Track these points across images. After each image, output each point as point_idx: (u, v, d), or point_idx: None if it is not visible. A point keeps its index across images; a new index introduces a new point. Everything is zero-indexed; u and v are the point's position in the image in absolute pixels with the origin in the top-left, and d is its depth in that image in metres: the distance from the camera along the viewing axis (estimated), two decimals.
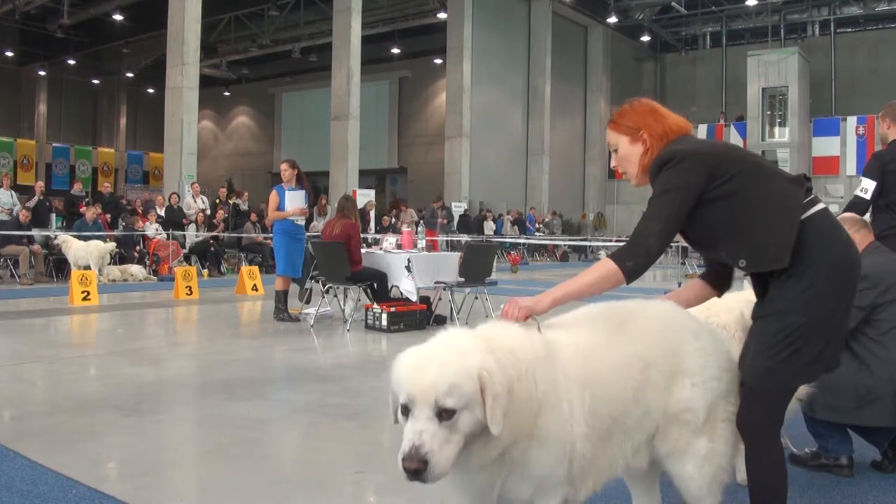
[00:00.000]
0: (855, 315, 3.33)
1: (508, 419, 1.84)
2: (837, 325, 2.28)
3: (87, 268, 12.16)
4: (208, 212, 16.74)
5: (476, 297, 9.22)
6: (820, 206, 2.32)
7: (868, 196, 4.95)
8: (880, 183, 4.92)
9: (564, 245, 25.24)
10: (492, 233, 23.19)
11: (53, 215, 15.94)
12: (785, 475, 2.30)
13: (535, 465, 1.95)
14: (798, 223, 2.24)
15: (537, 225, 25.90)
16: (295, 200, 8.65)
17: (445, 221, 21.65)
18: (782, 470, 2.30)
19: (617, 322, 2.24)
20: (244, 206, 18.24)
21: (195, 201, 16.82)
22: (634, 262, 2.24)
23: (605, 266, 2.26)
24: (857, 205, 5.01)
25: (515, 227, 24.76)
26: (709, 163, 2.28)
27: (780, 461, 2.30)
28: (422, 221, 20.08)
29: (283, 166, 8.92)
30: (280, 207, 8.64)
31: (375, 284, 8.42)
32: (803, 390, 2.75)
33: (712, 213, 2.30)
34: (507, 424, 1.83)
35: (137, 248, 15.01)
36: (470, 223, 23.44)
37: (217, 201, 17.88)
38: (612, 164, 2.55)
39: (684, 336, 2.25)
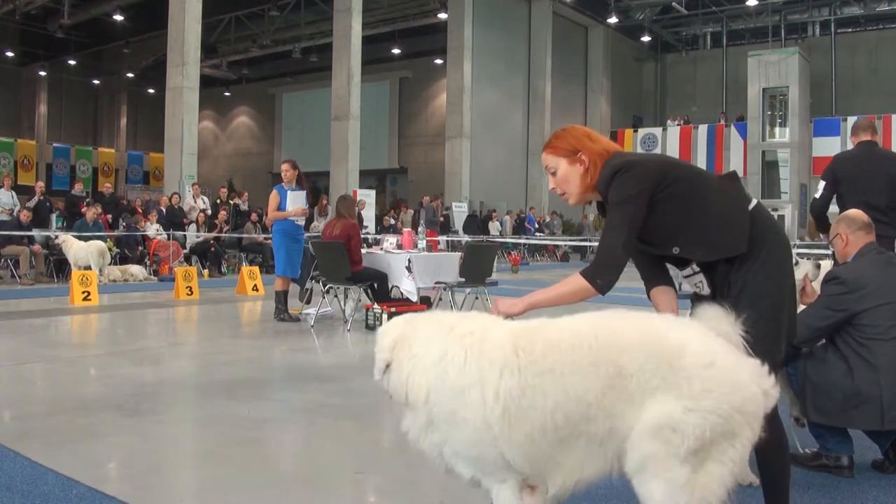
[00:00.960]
0: (829, 316, 3.40)
1: (389, 373, 2.30)
2: (791, 299, 2.57)
3: (88, 268, 12.17)
4: (209, 212, 16.75)
5: (476, 298, 9.21)
6: (755, 200, 2.56)
7: (818, 195, 5.08)
8: (831, 182, 5.04)
9: (565, 245, 25.23)
10: (497, 233, 23.21)
11: (54, 216, 15.94)
12: (785, 434, 2.56)
13: (453, 443, 2.16)
14: (748, 212, 2.49)
15: (536, 224, 25.87)
16: (296, 201, 8.66)
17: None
18: (782, 430, 2.54)
19: (613, 326, 2.17)
20: (244, 207, 18.25)
21: (196, 202, 16.85)
22: (604, 278, 2.40)
23: (577, 282, 2.42)
24: (812, 204, 5.17)
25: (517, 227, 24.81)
26: (654, 169, 2.47)
27: (780, 424, 2.51)
28: (422, 222, 20.06)
29: (285, 167, 8.91)
30: (281, 207, 8.64)
31: (376, 285, 8.42)
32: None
33: (665, 214, 2.46)
34: (388, 376, 2.31)
35: (139, 248, 15.01)
36: (477, 223, 23.46)
37: (217, 201, 17.91)
38: (551, 186, 2.67)
39: (690, 360, 2.05)
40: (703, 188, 2.52)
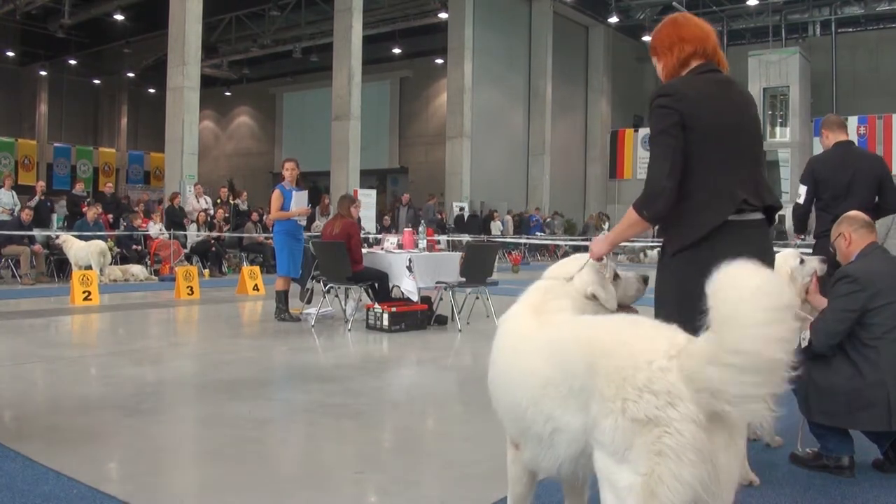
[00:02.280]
0: (846, 318, 3.35)
1: None
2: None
3: (89, 268, 12.16)
4: (211, 211, 16.79)
5: (477, 297, 9.21)
6: (739, 216, 2.48)
7: (801, 201, 5.09)
8: (812, 187, 5.04)
9: (566, 245, 25.23)
10: (499, 233, 23.21)
11: (55, 215, 15.93)
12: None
13: None
14: (708, 228, 2.45)
15: (541, 222, 25.86)
16: (300, 201, 8.72)
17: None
18: None
19: (556, 334, 2.25)
20: (244, 207, 18.24)
21: (198, 202, 16.89)
22: (650, 210, 2.50)
23: (631, 216, 2.56)
24: (796, 210, 5.17)
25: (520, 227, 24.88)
26: (683, 110, 2.48)
27: None
28: (423, 221, 20.02)
29: (290, 165, 8.87)
30: (284, 207, 8.63)
31: (376, 284, 8.42)
32: None
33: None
34: None
35: (136, 247, 14.96)
36: (479, 223, 23.48)
37: (217, 201, 17.94)
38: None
39: (600, 353, 1.99)
40: (707, 171, 2.49)
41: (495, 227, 23.84)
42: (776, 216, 2.65)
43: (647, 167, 2.51)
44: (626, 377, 1.87)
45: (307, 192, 8.95)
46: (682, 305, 2.35)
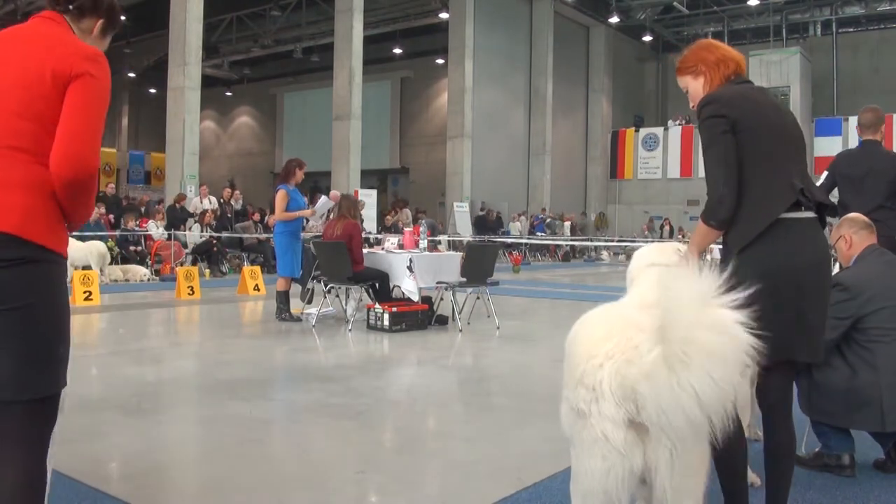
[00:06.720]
0: (837, 325, 3.35)
1: None
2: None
3: (87, 267, 12.15)
4: (219, 212, 16.85)
5: (478, 298, 9.21)
6: (795, 214, 2.47)
7: (818, 184, 5.15)
8: (832, 175, 5.13)
9: (566, 245, 25.25)
10: (518, 233, 23.28)
11: None
12: (794, 436, 2.61)
13: None
14: (770, 219, 2.44)
15: (541, 221, 25.92)
16: (324, 206, 8.93)
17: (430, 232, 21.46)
18: (793, 431, 2.59)
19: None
20: (237, 206, 18.19)
21: (203, 202, 16.92)
22: (716, 218, 2.49)
23: (700, 227, 2.56)
24: None
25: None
26: (729, 115, 2.50)
27: (791, 425, 2.58)
28: (423, 222, 20.01)
29: (302, 167, 8.89)
30: (290, 208, 8.62)
31: (377, 284, 8.42)
32: None
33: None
34: None
35: (136, 247, 14.93)
36: (492, 225, 23.51)
37: (221, 201, 17.96)
38: (691, 105, 2.76)
39: (571, 344, 2.19)
40: (762, 167, 2.49)
41: (514, 227, 23.96)
42: (826, 215, 2.62)
43: (705, 178, 2.56)
44: (572, 367, 2.07)
45: (327, 198, 9.31)
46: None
